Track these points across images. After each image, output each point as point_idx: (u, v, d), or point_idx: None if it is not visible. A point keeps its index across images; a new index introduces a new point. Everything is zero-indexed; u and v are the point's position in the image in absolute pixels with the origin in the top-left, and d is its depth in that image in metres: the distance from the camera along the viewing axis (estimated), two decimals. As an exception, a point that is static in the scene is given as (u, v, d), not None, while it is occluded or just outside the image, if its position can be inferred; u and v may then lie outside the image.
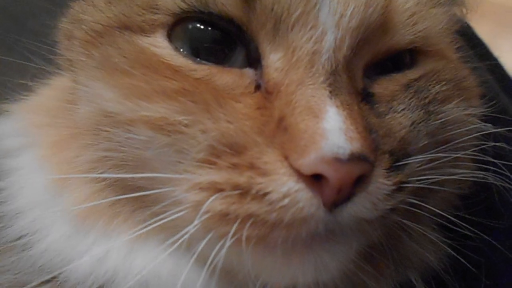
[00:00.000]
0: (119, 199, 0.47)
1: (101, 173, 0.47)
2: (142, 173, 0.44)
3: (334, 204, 0.38)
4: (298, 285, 0.43)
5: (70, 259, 0.46)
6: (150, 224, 0.43)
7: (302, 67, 0.41)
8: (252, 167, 0.39)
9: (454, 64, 0.51)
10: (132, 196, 0.45)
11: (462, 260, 0.49)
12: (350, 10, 0.42)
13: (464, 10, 0.57)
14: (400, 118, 0.44)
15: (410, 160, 0.43)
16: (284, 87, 0.41)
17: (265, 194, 0.38)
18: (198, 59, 0.43)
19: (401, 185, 0.42)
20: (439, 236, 0.50)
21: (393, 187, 0.41)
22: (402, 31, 0.45)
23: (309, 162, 0.37)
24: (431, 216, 0.48)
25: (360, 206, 0.39)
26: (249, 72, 0.43)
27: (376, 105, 0.44)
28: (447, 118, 0.47)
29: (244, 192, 0.39)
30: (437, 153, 0.45)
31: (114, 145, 0.45)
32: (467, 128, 0.48)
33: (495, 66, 0.71)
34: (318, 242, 0.40)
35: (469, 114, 0.49)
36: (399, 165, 0.42)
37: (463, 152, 0.47)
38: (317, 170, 0.37)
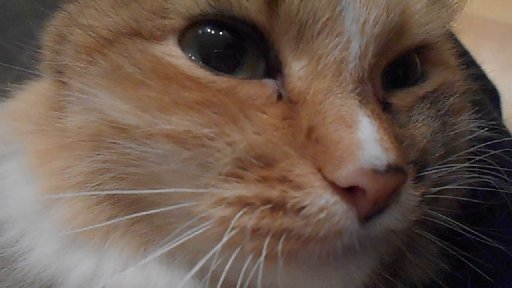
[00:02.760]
0: (118, 212, 0.44)
1: (97, 185, 0.44)
2: (154, 187, 0.41)
3: (368, 216, 0.38)
4: None
5: (63, 274, 0.44)
6: (168, 245, 0.40)
7: (329, 76, 0.40)
8: (284, 180, 0.37)
9: (459, 74, 0.52)
10: (143, 214, 0.42)
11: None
12: (372, 16, 0.41)
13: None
14: (421, 128, 0.44)
15: (430, 170, 0.43)
16: (310, 96, 0.40)
17: (301, 208, 0.37)
18: (210, 68, 0.41)
19: (426, 196, 0.42)
20: (438, 249, 0.50)
21: (420, 198, 0.41)
22: (417, 31, 0.45)
23: (346, 174, 0.36)
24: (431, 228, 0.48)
25: (392, 218, 0.39)
26: (269, 82, 0.41)
27: (396, 115, 0.44)
28: (459, 130, 0.47)
29: (276, 206, 0.37)
30: (451, 163, 0.45)
31: (119, 158, 0.42)
32: (475, 138, 0.49)
33: (480, 74, 0.72)
34: (348, 255, 0.39)
35: (479, 126, 0.50)
36: (421, 176, 0.42)
37: (472, 161, 0.48)
38: (354, 182, 0.36)
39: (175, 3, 0.41)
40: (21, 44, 0.52)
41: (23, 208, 0.46)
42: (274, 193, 0.37)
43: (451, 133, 0.47)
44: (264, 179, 0.38)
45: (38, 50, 0.52)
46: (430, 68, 0.49)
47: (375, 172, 0.36)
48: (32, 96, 0.53)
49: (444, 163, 0.45)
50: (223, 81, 0.40)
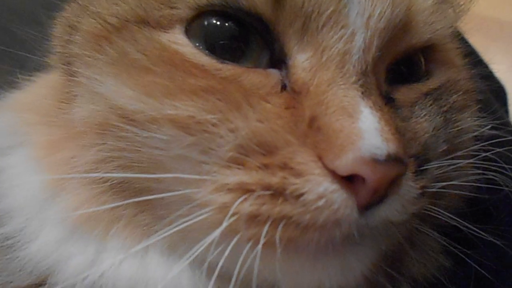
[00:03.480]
0: (123, 201, 0.44)
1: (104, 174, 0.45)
2: (158, 174, 0.41)
3: (367, 206, 0.38)
4: None
5: (61, 264, 0.44)
6: (165, 230, 0.40)
7: (333, 67, 0.40)
8: (285, 167, 0.38)
9: (464, 73, 0.52)
10: (146, 199, 0.42)
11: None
12: (378, 10, 0.42)
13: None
14: (423, 123, 0.44)
15: (431, 165, 0.43)
16: (314, 87, 0.40)
17: (300, 195, 0.37)
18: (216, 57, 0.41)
19: (426, 190, 0.42)
20: (439, 246, 0.50)
21: (420, 191, 0.41)
22: (421, 30, 0.45)
23: (346, 162, 0.36)
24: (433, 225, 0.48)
25: (392, 209, 0.39)
26: (274, 72, 0.42)
27: (399, 110, 0.44)
28: (462, 127, 0.47)
29: (276, 193, 0.37)
30: (453, 159, 0.45)
31: (125, 145, 0.42)
32: (478, 136, 0.49)
33: (486, 74, 0.72)
34: (347, 245, 0.40)
35: (483, 124, 0.50)
36: (422, 170, 0.42)
37: (475, 159, 0.48)
38: (354, 171, 0.37)
39: None
40: (32, 36, 0.53)
41: (29, 198, 0.46)
42: (274, 179, 0.37)
43: (454, 129, 0.47)
44: (265, 166, 0.38)
45: (49, 42, 0.53)
46: (434, 66, 0.49)
47: (375, 161, 0.36)
48: (40, 88, 0.54)
49: (447, 159, 0.45)
50: (228, 69, 0.41)
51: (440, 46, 0.49)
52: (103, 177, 0.45)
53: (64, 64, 0.50)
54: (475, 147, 0.49)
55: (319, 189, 0.37)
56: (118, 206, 0.44)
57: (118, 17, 0.44)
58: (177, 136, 0.40)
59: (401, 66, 0.47)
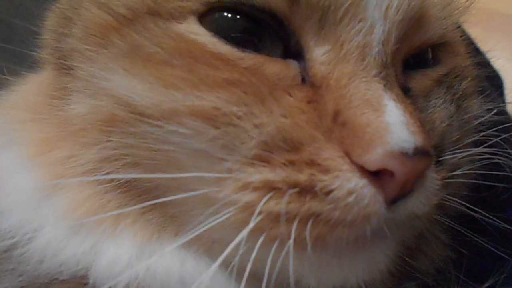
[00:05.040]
0: (128, 201, 0.43)
1: (107, 173, 0.43)
2: (171, 173, 0.40)
3: (394, 200, 0.37)
4: (347, 285, 0.41)
5: (72, 262, 0.42)
6: (190, 232, 0.39)
7: (353, 60, 0.39)
8: (312, 164, 0.37)
9: (468, 60, 0.52)
10: (157, 202, 0.40)
11: None
12: (395, 2, 0.41)
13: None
14: (440, 112, 0.44)
15: (448, 154, 0.43)
16: (334, 80, 0.39)
17: (329, 191, 0.36)
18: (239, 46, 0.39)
19: (445, 180, 0.42)
20: (447, 237, 0.51)
21: (441, 182, 0.41)
22: (435, 24, 0.45)
23: (375, 157, 0.36)
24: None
25: (417, 202, 0.39)
26: (293, 63, 0.41)
27: (416, 100, 0.44)
28: (472, 114, 0.48)
29: (304, 190, 0.37)
30: (465, 147, 0.45)
31: (135, 141, 0.41)
32: (488, 121, 0.49)
33: (484, 62, 0.72)
34: (375, 239, 0.39)
35: (490, 109, 0.50)
36: (441, 160, 0.42)
37: (484, 146, 0.48)
38: (384, 166, 0.36)
39: None
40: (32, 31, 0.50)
41: (22, 197, 0.44)
42: (301, 176, 0.36)
43: (466, 116, 0.47)
44: (291, 163, 0.37)
45: (39, 37, 0.51)
46: (440, 54, 0.49)
47: (403, 155, 0.36)
48: (31, 86, 0.52)
49: (459, 147, 0.45)
50: (250, 57, 0.39)
51: (449, 42, 0.49)
52: (108, 174, 0.43)
53: (57, 58, 0.47)
54: (482, 133, 0.49)
55: (349, 185, 0.36)
56: (123, 203, 0.43)
57: (129, 8, 0.41)
58: (199, 129, 0.38)
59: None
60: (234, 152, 0.38)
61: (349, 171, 0.36)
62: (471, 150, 0.46)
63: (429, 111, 0.44)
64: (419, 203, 0.39)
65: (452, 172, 0.44)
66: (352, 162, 0.37)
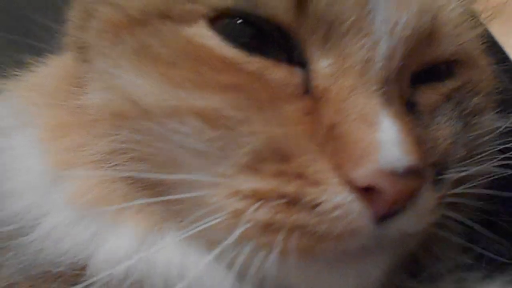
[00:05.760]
0: (134, 192, 0.44)
1: (114, 165, 0.44)
2: (173, 171, 0.41)
3: (383, 217, 0.37)
4: None
5: (77, 249, 0.43)
6: (186, 230, 0.40)
7: (354, 75, 0.39)
8: (301, 176, 0.37)
9: (487, 73, 0.51)
10: (158, 200, 0.42)
11: None
12: (404, 18, 0.41)
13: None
14: (445, 130, 0.44)
15: (450, 172, 0.43)
16: (334, 93, 0.39)
17: (316, 204, 0.37)
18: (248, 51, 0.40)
19: (444, 200, 0.41)
20: (458, 246, 0.50)
21: (438, 201, 0.41)
22: (447, 41, 0.44)
23: (365, 173, 0.36)
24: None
25: (409, 220, 0.39)
26: (299, 71, 0.41)
27: (421, 116, 0.43)
28: (482, 131, 0.47)
29: (292, 201, 0.37)
30: (472, 164, 0.45)
31: (140, 138, 0.42)
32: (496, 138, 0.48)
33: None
34: (363, 255, 0.39)
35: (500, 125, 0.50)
36: (440, 179, 0.42)
37: (497, 160, 0.47)
38: (372, 183, 0.36)
39: None
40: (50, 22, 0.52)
41: (32, 180, 0.46)
42: (290, 188, 0.37)
43: (474, 133, 0.46)
44: (281, 174, 0.37)
45: (63, 25, 0.52)
46: (455, 67, 0.48)
47: (393, 174, 0.36)
48: (51, 69, 0.53)
49: (465, 165, 0.44)
50: (256, 61, 0.40)
51: (464, 58, 0.48)
52: (115, 167, 0.44)
53: (78, 48, 0.49)
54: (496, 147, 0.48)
55: (336, 199, 0.36)
56: (128, 194, 0.44)
57: (141, 10, 0.43)
58: (199, 129, 0.39)
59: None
60: (228, 157, 0.39)
61: (338, 185, 0.37)
62: (476, 167, 0.45)
63: (433, 127, 0.43)
64: (411, 222, 0.39)
65: (455, 188, 0.43)
66: (342, 176, 0.37)
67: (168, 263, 0.43)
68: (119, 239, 0.43)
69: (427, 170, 0.39)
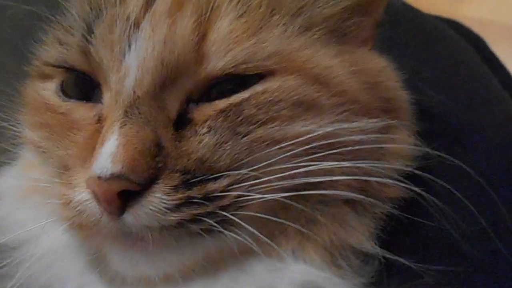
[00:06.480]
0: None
1: None
2: None
3: (113, 212, 0.48)
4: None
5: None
6: None
7: (113, 104, 0.51)
8: (69, 183, 0.52)
9: (307, 79, 0.53)
10: None
11: None
12: (149, 53, 0.50)
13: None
14: (203, 140, 0.50)
15: (208, 177, 0.50)
16: (105, 120, 0.52)
17: (69, 201, 0.51)
18: (67, 98, 0.57)
19: (188, 200, 0.49)
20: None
21: (177, 202, 0.48)
22: (215, 60, 0.51)
23: (86, 180, 0.49)
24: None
25: (139, 215, 0.48)
26: (97, 106, 0.54)
27: (184, 130, 0.51)
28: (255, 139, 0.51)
29: (63, 202, 0.52)
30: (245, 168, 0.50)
31: None
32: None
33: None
34: (132, 242, 0.51)
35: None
36: (191, 182, 0.49)
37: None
38: (88, 186, 0.49)
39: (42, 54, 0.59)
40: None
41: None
42: (63, 190, 0.52)
43: (247, 141, 0.51)
44: (64, 181, 0.52)
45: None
46: (269, 76, 0.53)
47: (100, 179, 0.47)
48: None
49: (238, 168, 0.50)
50: (65, 105, 0.56)
51: (255, 69, 0.52)
52: None
53: None
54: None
55: (78, 197, 0.50)
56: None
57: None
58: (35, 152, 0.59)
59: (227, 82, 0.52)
60: (48, 168, 0.56)
61: (82, 188, 0.50)
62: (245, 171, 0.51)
63: (191, 138, 0.50)
64: (143, 216, 0.48)
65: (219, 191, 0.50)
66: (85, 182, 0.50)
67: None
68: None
69: (137, 176, 0.47)
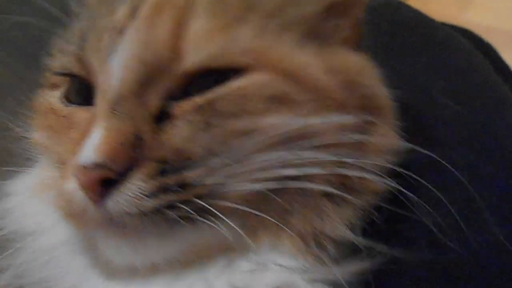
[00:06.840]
0: None
1: None
2: None
3: (96, 200, 0.53)
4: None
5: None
6: None
7: (101, 102, 0.56)
8: (63, 175, 0.56)
9: (282, 75, 0.56)
10: None
11: None
12: (130, 54, 0.55)
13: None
14: (179, 133, 0.54)
15: (186, 167, 0.53)
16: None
17: (62, 193, 0.56)
18: (69, 103, 0.62)
19: (168, 187, 0.52)
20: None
21: (154, 189, 0.52)
22: (192, 56, 0.55)
23: (71, 168, 0.54)
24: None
25: (118, 202, 0.52)
26: (94, 108, 0.59)
27: (163, 124, 0.55)
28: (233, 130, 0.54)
29: (58, 192, 0.57)
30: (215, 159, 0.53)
31: None
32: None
33: None
34: (115, 229, 0.54)
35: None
36: (170, 170, 0.53)
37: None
38: (73, 174, 0.53)
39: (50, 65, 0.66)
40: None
41: None
42: (58, 183, 0.57)
43: (221, 132, 0.54)
44: (61, 174, 0.57)
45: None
46: (244, 72, 0.56)
47: (83, 167, 0.52)
48: None
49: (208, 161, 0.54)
50: (66, 109, 0.62)
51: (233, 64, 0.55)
52: None
53: None
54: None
55: (68, 186, 0.54)
56: None
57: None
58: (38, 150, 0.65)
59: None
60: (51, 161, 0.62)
61: (72, 177, 0.54)
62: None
63: (168, 131, 0.54)
64: (122, 204, 0.52)
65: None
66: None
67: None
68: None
69: (117, 165, 0.52)
